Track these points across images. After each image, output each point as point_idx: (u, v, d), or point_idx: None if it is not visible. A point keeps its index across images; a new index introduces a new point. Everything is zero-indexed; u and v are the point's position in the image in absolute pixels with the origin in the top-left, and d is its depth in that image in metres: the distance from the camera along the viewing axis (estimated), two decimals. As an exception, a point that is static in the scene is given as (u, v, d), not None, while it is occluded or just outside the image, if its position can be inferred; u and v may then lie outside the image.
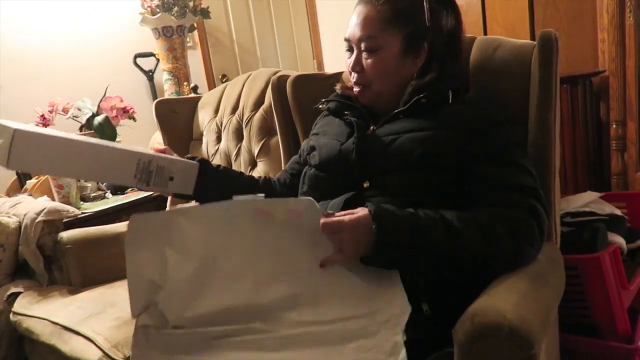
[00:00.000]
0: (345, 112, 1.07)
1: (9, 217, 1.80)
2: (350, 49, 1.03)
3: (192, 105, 2.02)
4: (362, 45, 0.99)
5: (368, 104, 1.05)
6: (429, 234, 0.80)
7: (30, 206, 1.81)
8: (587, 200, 1.45)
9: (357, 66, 1.01)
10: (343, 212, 0.83)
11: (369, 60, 0.99)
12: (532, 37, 2.15)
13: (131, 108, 2.45)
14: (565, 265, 0.98)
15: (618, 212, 1.42)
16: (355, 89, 1.04)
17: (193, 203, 1.12)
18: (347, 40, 1.03)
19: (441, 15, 1.01)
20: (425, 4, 0.98)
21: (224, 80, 3.26)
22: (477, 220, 0.83)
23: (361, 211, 0.81)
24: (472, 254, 0.82)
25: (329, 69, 3.51)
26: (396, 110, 0.99)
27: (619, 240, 1.34)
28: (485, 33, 2.37)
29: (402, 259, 0.81)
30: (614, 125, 1.98)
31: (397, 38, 0.98)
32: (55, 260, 1.75)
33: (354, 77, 1.03)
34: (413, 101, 0.97)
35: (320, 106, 1.15)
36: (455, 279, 0.87)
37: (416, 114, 0.96)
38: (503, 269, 0.84)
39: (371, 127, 1.02)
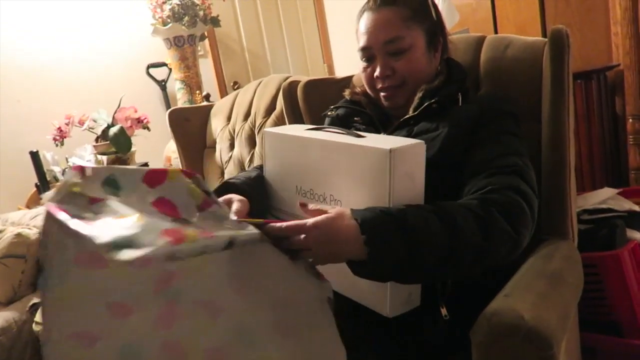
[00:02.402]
0: (355, 119, 1.07)
1: (29, 228, 1.84)
2: (370, 58, 1.01)
3: (204, 113, 2.05)
4: (389, 49, 0.97)
5: (402, 105, 1.01)
6: (424, 228, 0.71)
7: (49, 217, 1.84)
8: (605, 197, 1.43)
9: (388, 70, 0.99)
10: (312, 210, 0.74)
11: (400, 62, 0.98)
12: (544, 34, 2.13)
13: (145, 118, 2.48)
14: (584, 263, 0.97)
15: (636, 207, 1.40)
16: (384, 95, 1.01)
17: None
18: (367, 48, 1.00)
19: (436, 10, 1.03)
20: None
21: (235, 87, 3.29)
22: (471, 210, 0.76)
23: (335, 210, 0.72)
24: (472, 245, 0.73)
25: (340, 71, 3.52)
26: (407, 116, 0.98)
27: (639, 236, 1.31)
28: (495, 31, 2.36)
29: (399, 260, 0.70)
30: (631, 120, 1.95)
31: (421, 34, 0.99)
32: (75, 270, 1.78)
33: (383, 82, 1.00)
34: (424, 107, 0.96)
35: (329, 113, 1.13)
36: (473, 280, 0.86)
37: (427, 118, 0.96)
38: (503, 256, 0.77)
39: (382, 134, 1.01)
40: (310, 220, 0.69)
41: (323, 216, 0.69)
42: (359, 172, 0.78)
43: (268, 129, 0.98)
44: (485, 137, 0.90)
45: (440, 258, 0.71)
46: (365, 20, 1.00)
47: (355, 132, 0.87)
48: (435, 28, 1.01)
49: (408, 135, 0.94)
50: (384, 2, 0.98)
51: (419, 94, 0.98)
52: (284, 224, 0.69)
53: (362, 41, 1.00)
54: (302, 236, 0.68)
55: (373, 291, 0.78)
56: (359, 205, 0.73)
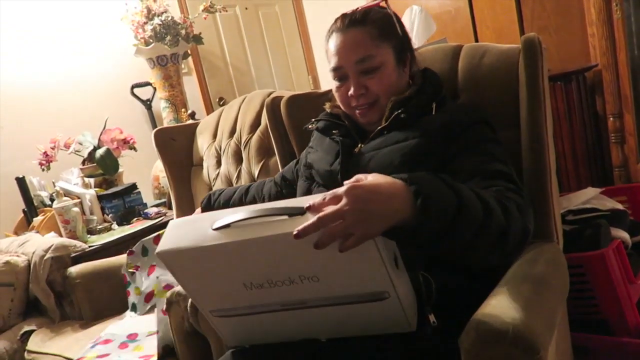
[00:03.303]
0: (334, 131, 1.09)
1: (17, 256, 1.83)
2: (342, 77, 1.03)
3: (190, 132, 2.05)
4: (360, 68, 1.00)
5: (376, 121, 1.03)
6: (465, 189, 0.70)
7: (38, 244, 1.83)
8: (588, 197, 1.45)
9: (361, 89, 1.01)
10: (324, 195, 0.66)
11: (372, 80, 1.00)
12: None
13: (131, 138, 2.48)
14: (570, 264, 0.99)
15: (620, 206, 1.42)
16: (359, 112, 1.04)
17: None
18: (338, 68, 1.02)
19: (401, 25, 1.05)
20: (393, 16, 1.02)
21: (221, 104, 3.29)
22: (490, 195, 0.77)
23: (369, 178, 0.66)
24: (498, 223, 0.72)
25: (325, 82, 3.55)
26: (379, 127, 1.01)
27: (623, 234, 1.33)
28: (475, 37, 2.39)
29: (449, 214, 0.66)
30: (611, 119, 1.98)
31: (390, 51, 1.01)
32: (65, 296, 1.77)
33: (357, 100, 1.02)
34: (393, 117, 0.99)
35: (310, 126, 1.17)
36: (459, 286, 0.87)
37: (399, 127, 0.99)
38: (516, 244, 0.78)
39: (359, 145, 1.04)
40: (345, 185, 0.63)
41: (358, 176, 0.66)
42: (329, 250, 0.64)
43: (164, 249, 0.71)
44: (466, 146, 0.93)
45: (478, 225, 0.69)
46: (335, 41, 1.02)
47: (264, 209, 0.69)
48: (402, 44, 1.04)
49: (377, 149, 0.97)
50: (352, 23, 1.01)
51: (389, 105, 1.01)
52: (319, 198, 0.64)
53: (334, 62, 1.02)
54: (342, 203, 0.62)
55: (389, 315, 0.75)
56: (344, 275, 0.69)
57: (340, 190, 0.63)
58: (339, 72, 1.03)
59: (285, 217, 0.66)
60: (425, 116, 0.98)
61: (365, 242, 0.63)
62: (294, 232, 0.62)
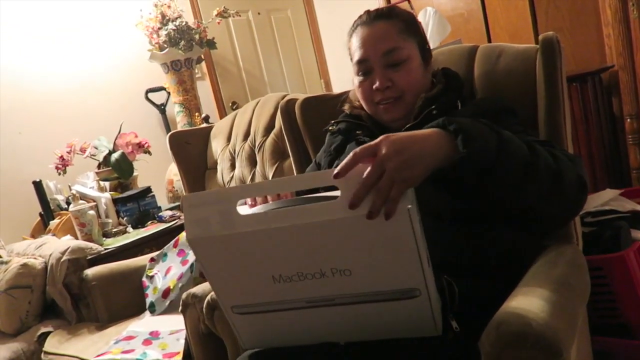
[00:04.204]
0: (357, 132, 1.07)
1: (34, 258, 1.84)
2: (367, 71, 1.00)
3: (204, 136, 2.06)
4: (387, 60, 0.98)
5: (400, 118, 1.01)
6: (507, 133, 0.70)
7: (54, 246, 1.85)
8: (607, 199, 1.43)
9: (387, 82, 0.98)
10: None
11: (398, 73, 0.98)
12: (537, 39, 2.15)
13: (146, 142, 2.50)
14: (590, 266, 0.97)
15: (639, 207, 1.40)
16: (383, 107, 1.01)
17: None
18: (364, 61, 0.99)
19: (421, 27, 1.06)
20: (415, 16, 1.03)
21: (234, 108, 3.31)
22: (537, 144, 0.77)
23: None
24: (547, 165, 0.72)
25: (337, 86, 3.55)
26: (408, 125, 0.99)
27: (643, 236, 1.31)
28: (488, 39, 2.38)
29: (491, 149, 0.67)
30: (628, 120, 1.96)
31: (415, 46, 1.00)
32: (82, 298, 1.78)
33: (383, 94, 0.99)
34: (425, 114, 0.97)
35: (330, 128, 1.14)
36: (478, 290, 0.86)
37: (426, 125, 0.97)
38: (575, 193, 0.77)
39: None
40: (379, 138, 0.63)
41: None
42: (366, 239, 0.66)
43: (196, 236, 0.69)
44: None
45: (524, 163, 0.69)
46: (360, 34, 1.00)
47: (304, 197, 0.72)
48: (424, 43, 1.04)
49: None
50: (379, 16, 1.00)
51: (419, 103, 0.99)
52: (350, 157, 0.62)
53: (358, 54, 1.00)
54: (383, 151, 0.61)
55: (417, 316, 0.74)
56: (378, 269, 0.68)
57: (372, 142, 0.63)
58: (364, 65, 1.00)
59: (319, 203, 0.65)
60: (452, 112, 0.96)
61: (402, 222, 0.62)
62: (349, 202, 0.61)
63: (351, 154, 0.63)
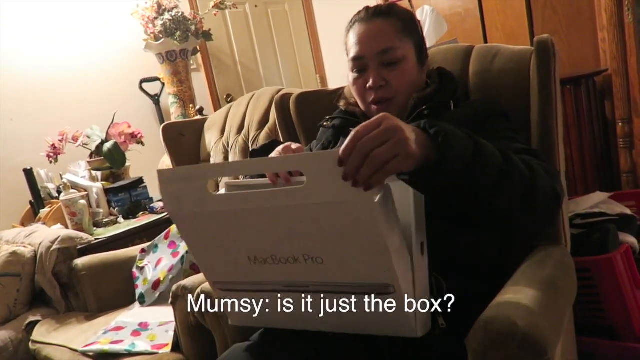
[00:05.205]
0: (351, 129, 1.07)
1: (24, 247, 1.83)
2: (362, 69, 1.00)
3: (198, 127, 2.06)
4: (382, 59, 0.97)
5: None
6: (488, 147, 0.71)
7: (44, 235, 1.84)
8: (597, 201, 1.44)
9: (381, 81, 0.97)
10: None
11: (393, 73, 0.97)
12: (532, 40, 2.16)
13: (139, 133, 2.49)
14: (577, 268, 0.98)
15: (628, 211, 1.42)
16: (376, 107, 1.00)
17: None
18: (359, 58, 0.99)
19: (420, 27, 1.05)
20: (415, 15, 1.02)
21: (229, 100, 3.30)
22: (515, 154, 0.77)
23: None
24: (522, 174, 0.73)
25: (332, 82, 3.55)
26: None
27: (631, 239, 1.32)
28: (485, 39, 2.39)
29: (468, 154, 0.68)
30: (620, 124, 1.97)
31: (411, 47, 1.00)
32: (71, 287, 1.77)
33: (376, 93, 0.99)
34: (417, 113, 0.97)
35: (325, 124, 1.14)
36: (467, 289, 0.87)
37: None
38: (547, 205, 0.77)
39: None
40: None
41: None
42: (334, 228, 0.65)
43: (170, 210, 0.72)
44: (489, 135, 0.91)
45: (498, 171, 0.70)
46: (357, 30, 1.00)
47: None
48: (422, 43, 1.03)
49: None
50: (377, 14, 0.99)
51: (411, 102, 0.99)
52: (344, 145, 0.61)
53: (354, 51, 1.00)
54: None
55: (391, 316, 0.72)
56: (348, 260, 0.68)
57: (372, 120, 0.62)
58: (359, 63, 1.00)
59: (289, 187, 0.64)
60: (446, 112, 0.97)
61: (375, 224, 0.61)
62: (339, 154, 0.60)
63: (352, 133, 0.61)
